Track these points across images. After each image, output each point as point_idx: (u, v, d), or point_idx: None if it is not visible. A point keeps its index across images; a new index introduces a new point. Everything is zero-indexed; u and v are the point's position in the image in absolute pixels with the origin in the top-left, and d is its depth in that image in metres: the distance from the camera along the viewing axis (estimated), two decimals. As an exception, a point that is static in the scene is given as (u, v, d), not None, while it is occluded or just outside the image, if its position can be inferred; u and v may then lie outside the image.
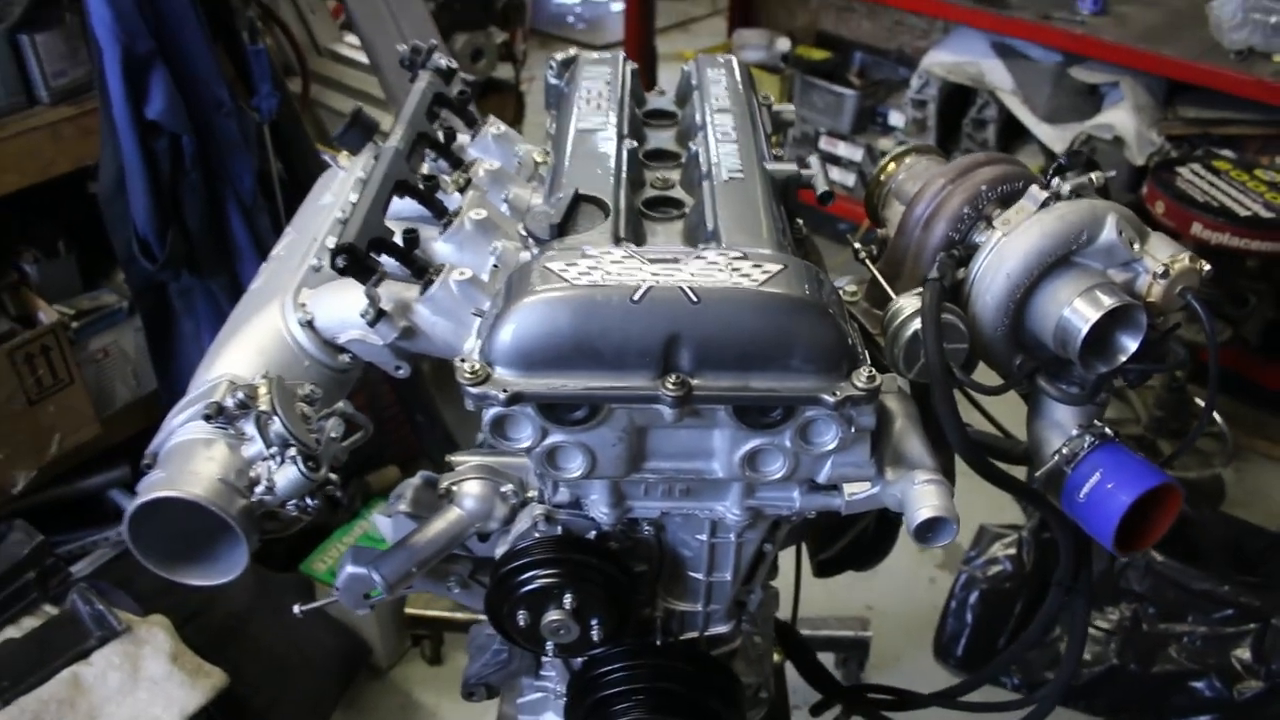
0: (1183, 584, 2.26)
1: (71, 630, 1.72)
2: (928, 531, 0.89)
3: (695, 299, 0.85)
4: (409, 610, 2.29)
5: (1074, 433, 1.03)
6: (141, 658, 1.73)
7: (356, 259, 0.92)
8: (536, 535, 1.01)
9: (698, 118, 1.16)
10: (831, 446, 0.90)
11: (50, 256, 2.05)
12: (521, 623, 1.00)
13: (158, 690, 1.69)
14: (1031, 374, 1.02)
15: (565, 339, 0.85)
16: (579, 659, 1.12)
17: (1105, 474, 1.00)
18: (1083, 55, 2.92)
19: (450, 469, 1.08)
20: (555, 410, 0.88)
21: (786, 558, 1.40)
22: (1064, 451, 1.03)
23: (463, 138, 1.26)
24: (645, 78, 4.15)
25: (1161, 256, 0.97)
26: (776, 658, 1.44)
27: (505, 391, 0.85)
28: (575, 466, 0.92)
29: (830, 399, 0.86)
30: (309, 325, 1.01)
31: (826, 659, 2.29)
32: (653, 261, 0.89)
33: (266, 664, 1.89)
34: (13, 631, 1.74)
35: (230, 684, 1.76)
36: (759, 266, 0.89)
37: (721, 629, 1.12)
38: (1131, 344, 0.96)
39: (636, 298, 0.85)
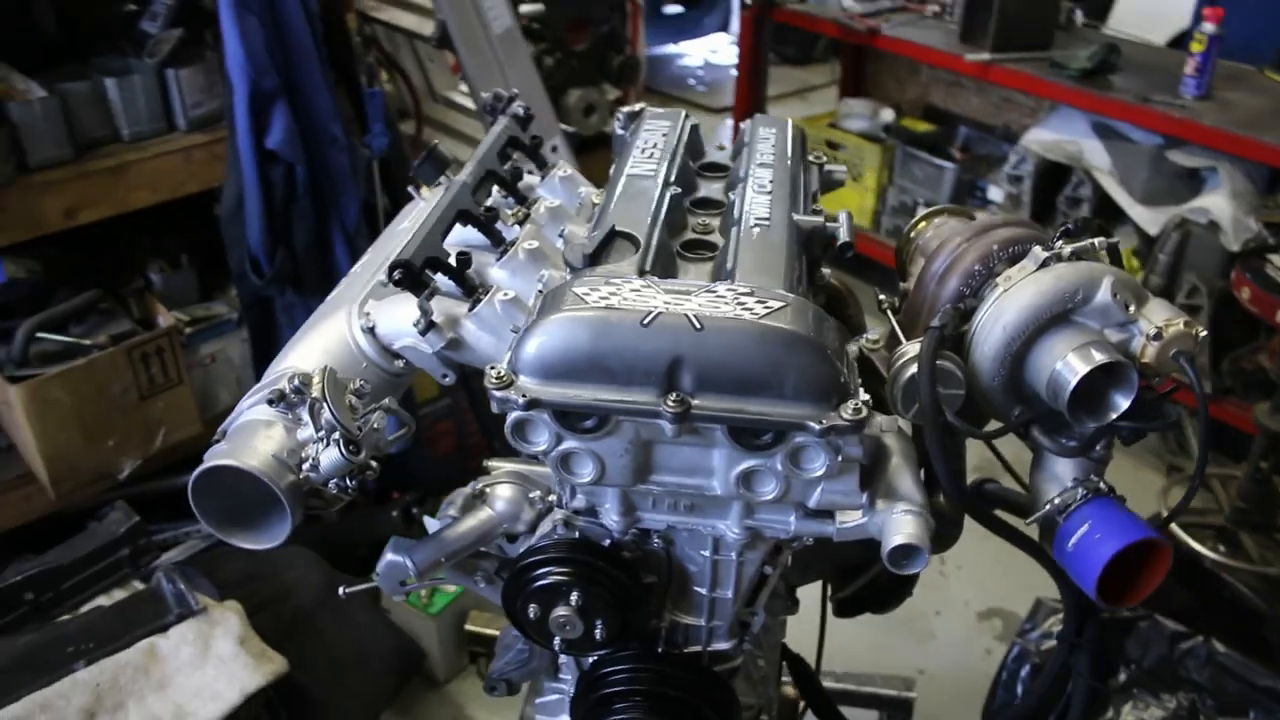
0: (1245, 678, 2.19)
1: (154, 605, 1.88)
2: (901, 558, 0.95)
3: (699, 326, 0.94)
4: (469, 628, 2.38)
5: (1069, 485, 1.07)
6: (213, 637, 1.88)
7: (410, 273, 1.05)
8: (554, 537, 1.11)
9: (741, 171, 1.26)
10: (820, 473, 0.97)
11: (174, 268, 2.27)
12: (532, 615, 1.09)
13: (223, 668, 1.83)
14: (1028, 424, 1.07)
15: (581, 354, 0.95)
16: (590, 659, 1.20)
17: (1094, 525, 1.04)
18: (1182, 139, 2.91)
19: (487, 473, 1.19)
20: (568, 418, 0.97)
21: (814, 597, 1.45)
22: (1056, 502, 1.07)
23: (533, 179, 1.38)
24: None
25: (1157, 319, 1.02)
26: (791, 692, 1.49)
27: (524, 396, 0.95)
28: (586, 473, 1.01)
29: (816, 426, 0.93)
30: (370, 331, 1.14)
31: (869, 716, 2.30)
32: (667, 291, 0.98)
33: (327, 658, 2.01)
34: (103, 600, 1.91)
35: (290, 672, 1.89)
36: (763, 302, 0.97)
37: (723, 646, 1.19)
38: (1123, 401, 1.01)
39: (645, 321, 0.94)
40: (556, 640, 1.10)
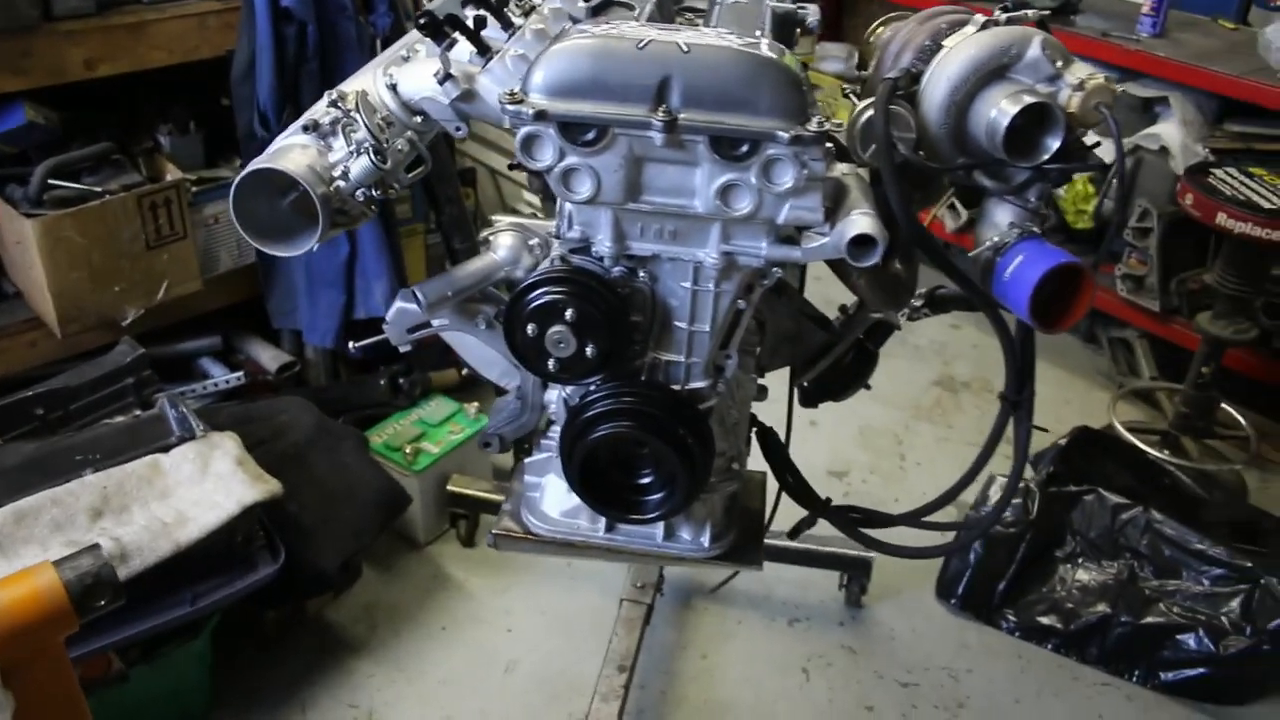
0: (1179, 543, 2.35)
1: (158, 426, 1.99)
2: (858, 249, 1.10)
3: (686, 49, 1.09)
4: (451, 488, 2.51)
5: (1006, 228, 1.23)
6: (212, 458, 1.99)
7: (434, 21, 1.18)
8: (552, 265, 1.24)
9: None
10: (789, 185, 1.12)
11: (182, 132, 2.38)
12: (530, 333, 1.22)
13: (221, 483, 1.94)
14: (970, 169, 1.22)
15: (584, 73, 1.09)
16: (578, 396, 1.33)
17: (1026, 257, 1.19)
18: (1137, 71, 3.09)
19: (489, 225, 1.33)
20: (570, 131, 1.11)
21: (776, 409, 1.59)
22: (994, 240, 1.22)
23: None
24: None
25: (1080, 74, 1.17)
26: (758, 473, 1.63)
27: (534, 109, 1.09)
28: (585, 189, 1.15)
29: (785, 135, 1.08)
30: (393, 89, 1.27)
31: (831, 578, 2.45)
32: (659, 30, 1.13)
33: (318, 491, 2.12)
34: (109, 423, 2.02)
35: (283, 497, 2.00)
36: (741, 39, 1.12)
37: (700, 384, 1.33)
38: (1053, 143, 1.16)
39: (641, 45, 1.09)
40: (550, 361, 1.24)
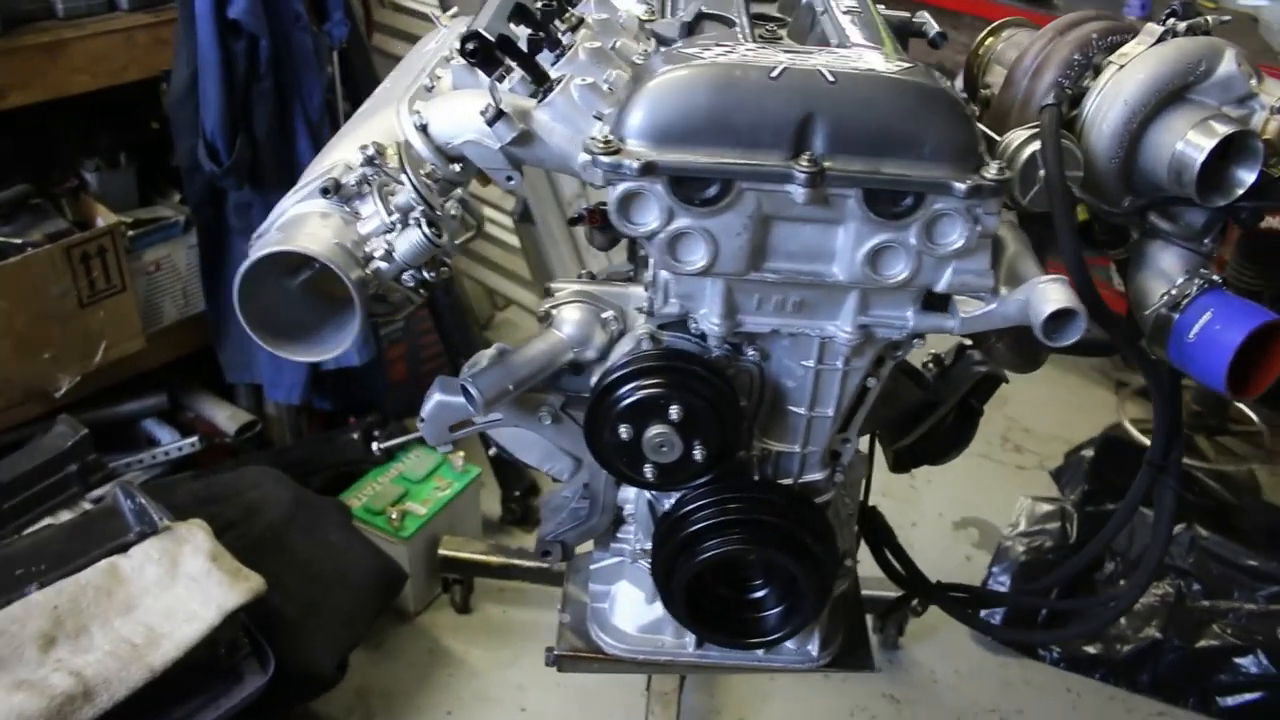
0: (1229, 560, 2.23)
1: (111, 523, 1.69)
2: (1056, 326, 0.88)
3: (832, 79, 0.85)
4: (442, 551, 2.25)
5: (1180, 279, 1.03)
6: (181, 555, 1.70)
7: (486, 46, 0.93)
8: (644, 350, 1.00)
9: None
10: (957, 246, 0.90)
11: (111, 167, 2.05)
12: (624, 436, 0.98)
13: (195, 587, 1.66)
14: (1143, 211, 1.02)
15: (701, 112, 0.85)
16: (668, 501, 1.10)
17: (1216, 314, 0.99)
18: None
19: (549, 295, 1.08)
20: (685, 188, 0.87)
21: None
22: (1173, 293, 1.02)
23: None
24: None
25: (1276, 92, 0.98)
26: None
27: (639, 161, 0.85)
28: (697, 258, 0.91)
29: (961, 187, 0.85)
30: (423, 130, 1.01)
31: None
32: (787, 52, 0.89)
33: (303, 578, 1.85)
34: (50, 523, 1.71)
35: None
36: (890, 62, 0.89)
37: (816, 476, 1.10)
38: (1248, 176, 0.96)
39: (774, 75, 0.85)
40: (648, 468, 1.00)
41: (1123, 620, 2.29)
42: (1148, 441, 2.67)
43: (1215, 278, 1.03)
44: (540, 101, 0.98)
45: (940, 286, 0.93)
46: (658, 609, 1.17)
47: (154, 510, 1.74)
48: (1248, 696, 2.16)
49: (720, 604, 1.09)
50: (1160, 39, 0.99)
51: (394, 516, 2.18)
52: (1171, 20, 1.00)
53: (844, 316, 0.97)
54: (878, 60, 0.89)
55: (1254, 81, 0.98)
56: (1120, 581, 2.31)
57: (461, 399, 1.04)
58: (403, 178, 0.88)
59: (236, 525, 1.91)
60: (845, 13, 1.03)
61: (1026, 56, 1.08)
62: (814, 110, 0.85)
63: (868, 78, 0.86)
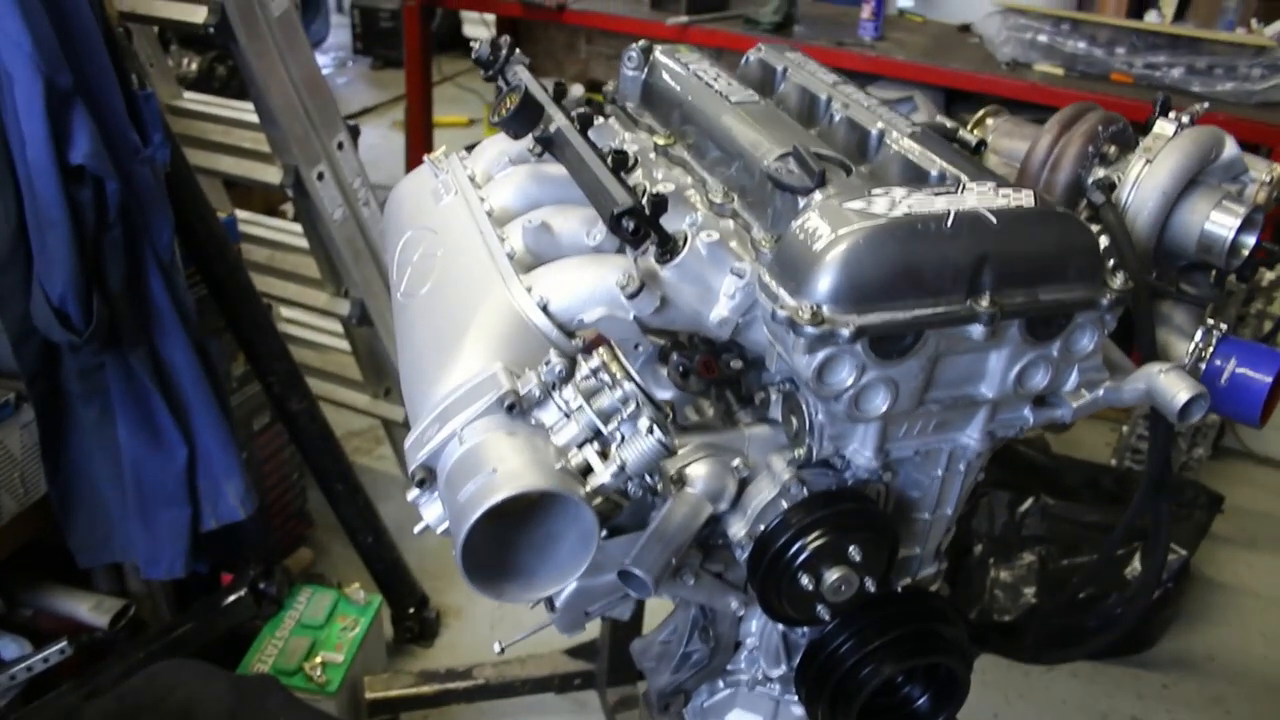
0: (1075, 520, 2.54)
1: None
2: (1189, 411, 0.98)
3: (995, 220, 0.89)
4: (369, 695, 2.08)
5: (1198, 333, 1.17)
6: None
7: (641, 218, 0.89)
8: (801, 497, 1.00)
9: (822, 95, 1.19)
10: (1090, 350, 0.97)
11: (-94, 350, 1.70)
12: (806, 587, 0.97)
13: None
14: (1178, 281, 1.15)
15: (896, 268, 0.87)
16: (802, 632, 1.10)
17: (1240, 358, 1.15)
18: (877, 75, 3.25)
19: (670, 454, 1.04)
20: (883, 345, 0.88)
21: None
22: (1199, 345, 1.16)
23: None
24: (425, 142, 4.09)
25: (1261, 168, 1.14)
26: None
27: (849, 327, 0.84)
28: (878, 404, 0.92)
29: (1104, 301, 0.93)
30: (544, 309, 0.94)
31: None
32: (936, 196, 0.92)
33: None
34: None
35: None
36: (1015, 192, 0.94)
37: (930, 571, 1.15)
38: (1251, 240, 1.12)
39: (949, 223, 0.88)
40: (821, 608, 1.00)
41: (999, 593, 2.55)
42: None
43: (1223, 326, 1.18)
44: (668, 260, 0.95)
45: (1068, 387, 1.00)
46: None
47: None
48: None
49: (875, 713, 1.11)
50: (1175, 133, 1.12)
51: (315, 672, 1.98)
52: (1173, 114, 1.14)
53: (974, 426, 1.02)
54: (1006, 192, 0.94)
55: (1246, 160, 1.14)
56: (989, 559, 2.56)
57: (613, 580, 0.98)
58: (624, 384, 0.81)
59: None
60: (912, 133, 1.08)
61: (1038, 150, 1.18)
62: (986, 251, 0.89)
63: (1023, 214, 0.91)
